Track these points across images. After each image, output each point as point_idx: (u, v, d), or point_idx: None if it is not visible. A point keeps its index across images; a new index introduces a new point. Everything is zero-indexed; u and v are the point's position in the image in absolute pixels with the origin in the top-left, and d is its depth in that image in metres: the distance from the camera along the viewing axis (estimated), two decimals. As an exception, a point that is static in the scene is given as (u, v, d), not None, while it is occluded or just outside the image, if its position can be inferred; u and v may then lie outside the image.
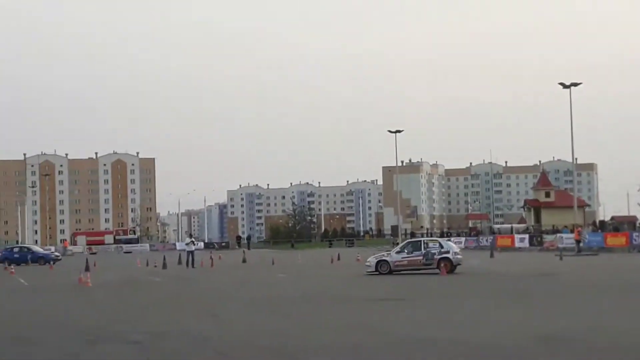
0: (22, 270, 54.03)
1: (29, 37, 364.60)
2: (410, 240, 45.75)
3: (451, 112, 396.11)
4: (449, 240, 41.58)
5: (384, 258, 38.66)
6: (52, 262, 62.13)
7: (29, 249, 70.92)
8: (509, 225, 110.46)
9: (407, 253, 38.27)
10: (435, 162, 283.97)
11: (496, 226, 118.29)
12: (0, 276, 47.78)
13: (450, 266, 37.54)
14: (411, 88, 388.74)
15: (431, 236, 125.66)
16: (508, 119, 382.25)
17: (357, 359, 13.93)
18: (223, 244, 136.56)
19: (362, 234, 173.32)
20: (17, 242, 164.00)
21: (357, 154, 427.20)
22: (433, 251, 37.82)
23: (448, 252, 38.09)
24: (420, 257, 37.76)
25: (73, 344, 16.56)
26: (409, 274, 37.52)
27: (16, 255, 64.49)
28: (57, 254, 71.93)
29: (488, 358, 14.05)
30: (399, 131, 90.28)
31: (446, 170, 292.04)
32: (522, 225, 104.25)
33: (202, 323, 19.98)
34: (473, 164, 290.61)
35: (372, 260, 38.90)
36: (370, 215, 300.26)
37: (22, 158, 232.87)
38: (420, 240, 40.76)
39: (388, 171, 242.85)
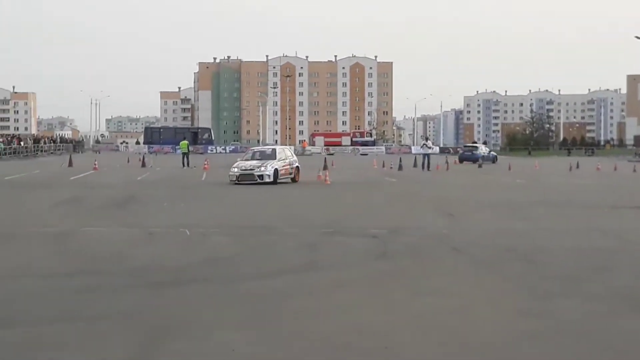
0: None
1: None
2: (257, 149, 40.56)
3: None
4: None
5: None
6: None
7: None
8: None
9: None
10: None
11: None
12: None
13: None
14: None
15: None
16: None
17: (597, 262, 13.48)
18: (458, 149, 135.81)
19: (602, 143, 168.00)
20: (258, 142, 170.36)
21: (601, 62, 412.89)
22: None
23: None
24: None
25: (312, 235, 16.96)
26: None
27: (467, 154, 72.44)
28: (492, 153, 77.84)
29: None
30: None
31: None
32: None
33: (437, 221, 20.01)
34: None
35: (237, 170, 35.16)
36: (611, 124, 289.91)
37: (264, 60, 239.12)
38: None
39: (633, 79, 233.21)
